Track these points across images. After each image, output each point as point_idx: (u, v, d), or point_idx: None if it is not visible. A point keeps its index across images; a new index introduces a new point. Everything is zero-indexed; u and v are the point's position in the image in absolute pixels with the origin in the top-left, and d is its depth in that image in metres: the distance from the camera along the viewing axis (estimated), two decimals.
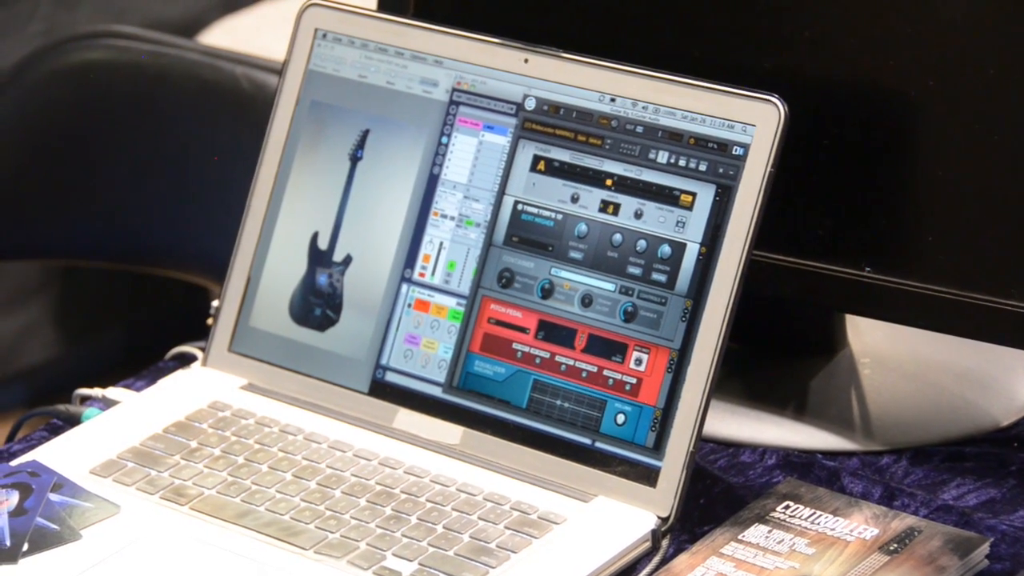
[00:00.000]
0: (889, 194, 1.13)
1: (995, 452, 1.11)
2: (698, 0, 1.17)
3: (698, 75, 1.06)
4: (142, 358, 1.50)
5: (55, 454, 1.08)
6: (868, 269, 1.13)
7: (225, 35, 2.62)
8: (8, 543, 0.98)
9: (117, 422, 1.12)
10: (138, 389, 1.18)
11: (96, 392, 1.17)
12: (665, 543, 0.99)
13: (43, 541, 0.99)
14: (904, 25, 1.11)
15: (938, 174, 1.11)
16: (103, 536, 1.00)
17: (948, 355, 1.23)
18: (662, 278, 1.03)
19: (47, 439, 1.12)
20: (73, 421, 1.15)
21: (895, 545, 0.98)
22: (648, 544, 0.99)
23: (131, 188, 1.69)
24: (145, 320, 2.79)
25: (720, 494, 1.06)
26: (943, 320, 1.13)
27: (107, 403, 1.15)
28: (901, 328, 1.19)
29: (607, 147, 1.06)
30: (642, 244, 1.04)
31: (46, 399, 1.44)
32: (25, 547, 0.98)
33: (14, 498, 1.02)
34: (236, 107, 1.58)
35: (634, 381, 1.03)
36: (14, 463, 1.07)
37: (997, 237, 1.10)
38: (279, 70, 1.22)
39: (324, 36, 1.18)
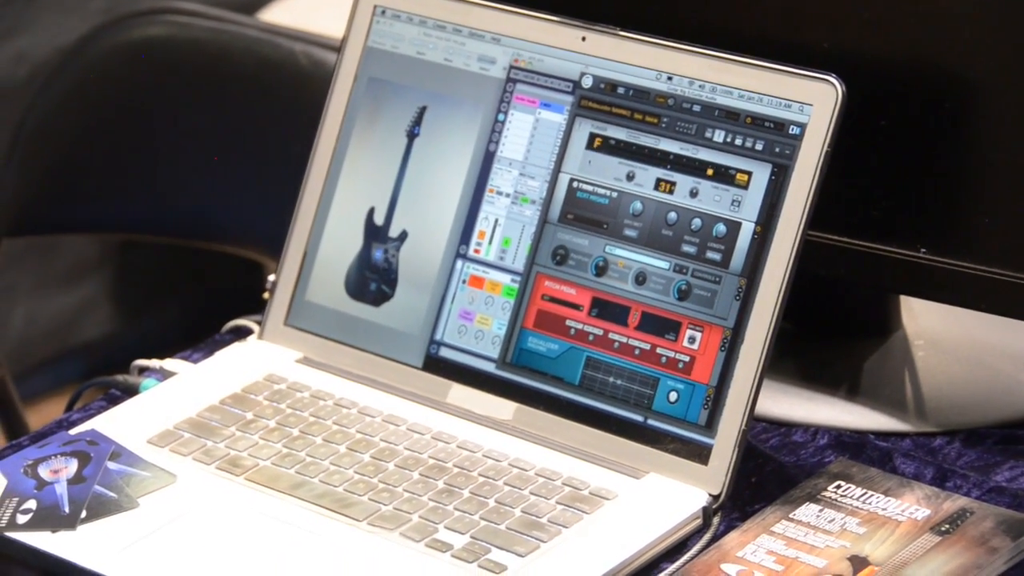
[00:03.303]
0: (945, 175, 1.12)
1: None
2: None
3: (755, 54, 1.05)
4: (198, 332, 1.51)
5: (113, 424, 1.09)
6: (923, 250, 1.12)
7: (284, 13, 2.61)
8: (67, 510, 1.00)
9: (174, 393, 1.13)
10: (195, 361, 1.19)
11: (154, 363, 1.18)
12: (716, 520, 0.99)
13: (101, 508, 1.00)
14: (963, 4, 1.10)
15: (994, 155, 1.10)
16: (159, 504, 1.01)
17: (1003, 337, 1.22)
18: (716, 257, 1.03)
19: (105, 409, 1.13)
20: (131, 391, 1.16)
21: (947, 526, 0.97)
22: (699, 521, 0.99)
23: (189, 164, 1.70)
24: (201, 295, 2.79)
25: (771, 473, 1.06)
26: (998, 302, 1.11)
27: (164, 374, 1.17)
28: (955, 310, 1.17)
29: (663, 126, 1.06)
30: (697, 223, 1.04)
31: (104, 373, 1.46)
32: (83, 514, 0.99)
33: (73, 466, 1.04)
34: (294, 84, 1.59)
35: (687, 359, 1.03)
36: (73, 432, 1.08)
37: None
38: (337, 47, 1.22)
39: (383, 13, 1.18)
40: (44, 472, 1.04)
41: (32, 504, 1.00)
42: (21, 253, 2.45)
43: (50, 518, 0.99)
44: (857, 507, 1.00)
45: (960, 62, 1.11)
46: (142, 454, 1.05)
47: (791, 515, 0.98)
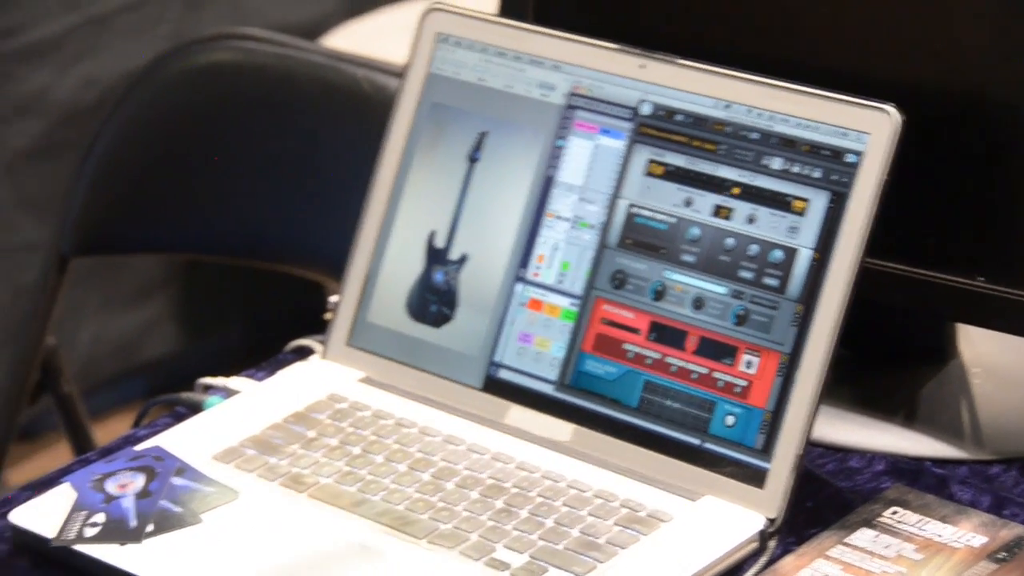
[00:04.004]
0: (1003, 204, 1.12)
1: None
2: (814, 9, 1.16)
3: (813, 83, 1.05)
4: (262, 351, 1.53)
5: (178, 440, 1.09)
6: (981, 279, 1.10)
7: (347, 39, 2.65)
8: (134, 523, 1.00)
9: (238, 411, 1.14)
10: (259, 379, 1.20)
11: (218, 381, 1.19)
12: (772, 544, 0.98)
13: (166, 523, 1.01)
14: (1019, 35, 1.09)
15: None
16: (222, 520, 1.02)
17: None
18: (774, 283, 1.03)
19: (171, 426, 1.13)
20: (196, 408, 1.16)
21: (1004, 554, 0.97)
22: (755, 544, 0.98)
23: (254, 186, 1.70)
24: (264, 314, 2.80)
25: (828, 498, 1.06)
26: None
27: (228, 392, 1.17)
28: (1013, 338, 1.16)
29: (721, 152, 1.06)
30: (754, 248, 1.04)
31: (169, 390, 1.46)
32: (149, 528, 0.99)
33: (140, 481, 1.04)
34: (357, 108, 1.58)
35: (744, 384, 1.02)
36: (139, 448, 1.09)
37: None
38: (400, 73, 1.22)
39: (445, 40, 1.18)
40: (111, 487, 1.04)
41: (100, 518, 1.01)
42: (89, 272, 2.47)
43: (117, 531, 1.00)
44: (913, 533, 0.99)
45: (1017, 91, 1.10)
46: (206, 470, 1.06)
47: (847, 540, 0.98)
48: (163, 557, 0.99)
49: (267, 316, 2.77)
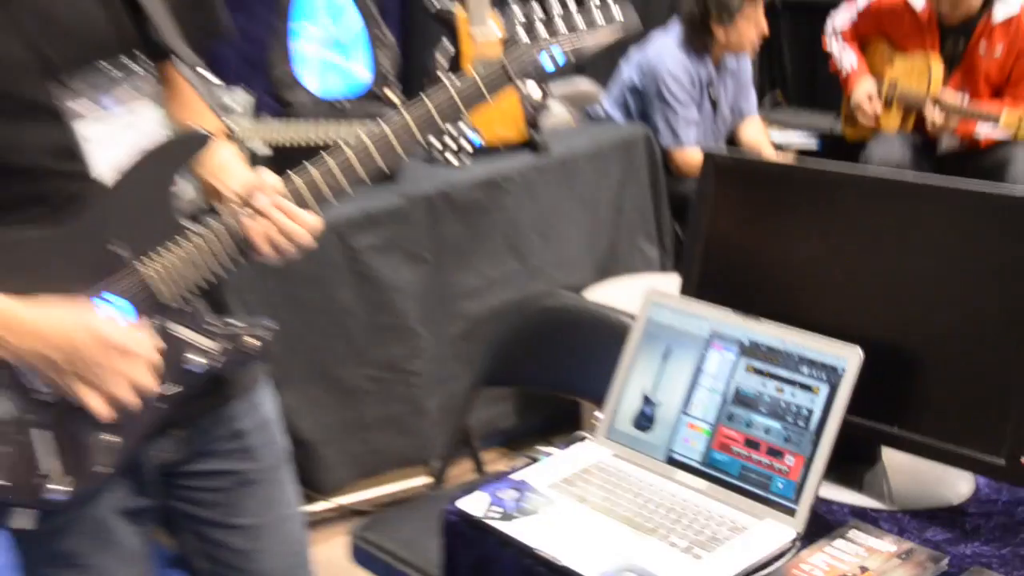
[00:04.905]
0: (901, 394, 1.11)
1: None
2: (827, 294, 1.16)
3: (825, 333, 1.09)
4: (558, 433, 1.60)
5: (530, 474, 1.16)
6: (896, 427, 1.11)
7: (598, 293, 2.53)
8: (513, 512, 1.10)
9: (554, 464, 1.18)
10: (561, 449, 1.22)
11: (546, 449, 1.23)
12: (798, 544, 1.04)
13: (524, 512, 1.09)
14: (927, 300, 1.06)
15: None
16: (549, 513, 1.08)
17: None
18: (802, 424, 1.08)
19: (526, 467, 1.18)
20: (535, 460, 1.19)
21: (904, 556, 0.99)
22: (790, 543, 1.04)
23: (571, 363, 1.71)
24: (560, 414, 2.43)
25: (822, 524, 1.09)
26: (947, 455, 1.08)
27: (549, 454, 1.21)
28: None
29: (779, 363, 1.12)
30: (793, 408, 1.10)
31: (517, 448, 1.50)
32: (517, 515, 1.09)
33: (514, 492, 1.13)
34: (615, 332, 1.56)
35: (787, 469, 1.08)
36: (513, 476, 1.16)
37: None
38: (633, 316, 1.23)
39: (654, 303, 1.23)
40: (502, 493, 1.13)
41: (497, 509, 1.10)
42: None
43: (505, 515, 1.09)
44: (861, 543, 1.04)
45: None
46: (543, 491, 1.13)
47: (831, 544, 1.04)
48: (524, 529, 1.06)
49: (560, 416, 2.43)
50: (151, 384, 1.02)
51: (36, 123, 0.98)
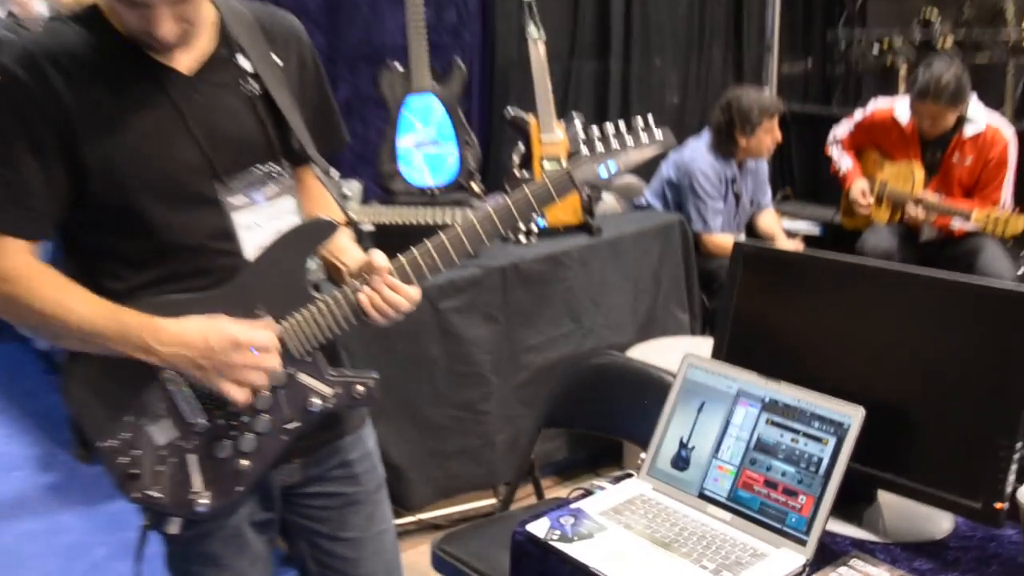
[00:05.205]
0: (900, 450, 1.09)
1: None
2: (836, 360, 1.15)
3: (834, 394, 1.09)
4: (603, 466, 1.60)
5: (584, 504, 1.16)
6: (890, 473, 1.10)
7: (639, 352, 2.51)
8: (570, 534, 1.08)
9: (604, 497, 1.18)
10: (612, 483, 1.21)
11: (598, 482, 1.22)
12: (807, 569, 1.04)
13: (580, 536, 1.08)
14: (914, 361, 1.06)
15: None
16: (602, 538, 1.09)
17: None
18: (813, 469, 1.08)
19: (581, 499, 1.18)
20: (589, 493, 1.18)
21: None
22: (800, 569, 1.03)
23: (624, 412, 1.68)
24: (603, 450, 2.47)
25: (829, 553, 1.08)
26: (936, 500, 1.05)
27: (602, 487, 1.19)
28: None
29: (793, 418, 1.12)
30: (806, 455, 1.10)
31: (574, 480, 1.48)
32: (575, 538, 1.08)
33: (571, 518, 1.11)
34: (658, 387, 1.53)
35: (799, 506, 1.08)
36: (571, 505, 1.15)
37: None
38: (674, 373, 1.21)
39: (691, 364, 1.22)
40: (563, 519, 1.12)
41: (556, 532, 1.09)
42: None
43: (564, 537, 1.08)
44: (861, 570, 1.02)
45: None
46: (595, 518, 1.12)
47: (835, 571, 1.03)
48: (581, 550, 1.06)
49: (608, 453, 2.49)
50: (277, 367, 1.05)
51: (203, 212, 1.04)
